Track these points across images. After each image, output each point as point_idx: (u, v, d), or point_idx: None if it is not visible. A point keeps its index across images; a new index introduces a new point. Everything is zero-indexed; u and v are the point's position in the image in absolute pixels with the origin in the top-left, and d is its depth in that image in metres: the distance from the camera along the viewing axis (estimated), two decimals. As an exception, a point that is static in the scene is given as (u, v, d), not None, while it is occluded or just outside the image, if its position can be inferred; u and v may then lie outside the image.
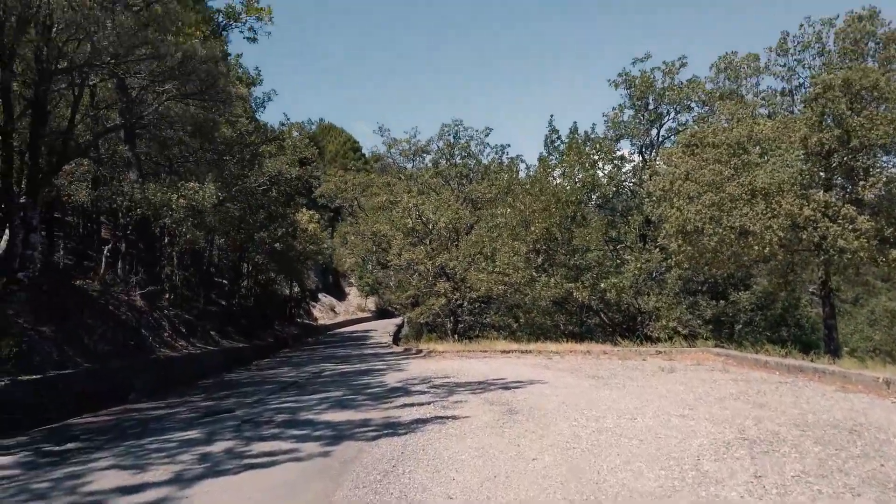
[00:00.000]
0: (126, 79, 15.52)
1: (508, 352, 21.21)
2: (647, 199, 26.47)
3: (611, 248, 29.91)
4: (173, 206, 18.34)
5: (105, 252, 18.74)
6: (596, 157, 30.83)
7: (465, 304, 34.75)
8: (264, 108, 32.84)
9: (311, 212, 43.59)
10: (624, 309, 28.96)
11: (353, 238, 45.26)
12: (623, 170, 31.95)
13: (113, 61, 12.39)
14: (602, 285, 26.70)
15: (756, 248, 19.93)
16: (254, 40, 23.41)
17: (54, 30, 12.80)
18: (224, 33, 32.50)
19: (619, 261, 28.73)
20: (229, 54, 29.47)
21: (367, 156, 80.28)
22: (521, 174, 35.34)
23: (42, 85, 12.82)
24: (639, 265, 26.67)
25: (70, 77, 13.21)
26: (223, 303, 34.80)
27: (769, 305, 31.96)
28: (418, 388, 13.13)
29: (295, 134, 34.85)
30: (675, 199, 21.79)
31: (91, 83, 16.87)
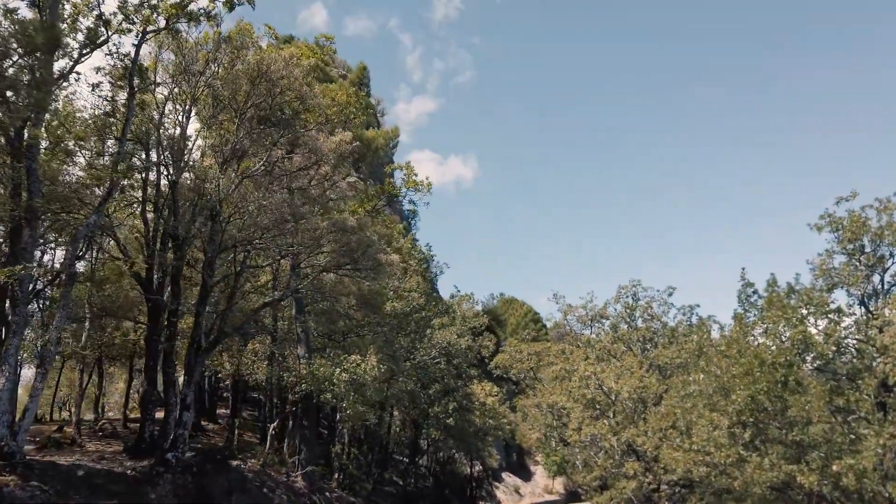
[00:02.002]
0: (280, 251, 16.11)
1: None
2: (880, 358, 21.75)
3: (839, 419, 24.53)
4: (335, 380, 18.02)
5: (270, 430, 18.67)
6: (805, 312, 26.52)
7: (662, 487, 30.04)
8: (436, 280, 33.63)
9: (488, 384, 42.26)
10: (868, 499, 22.88)
11: (533, 412, 42.71)
12: (843, 324, 27.02)
13: (264, 234, 12.76)
14: (834, 468, 21.49)
15: None
16: (413, 212, 24.92)
17: (221, 213, 13.64)
18: (410, 221, 34.77)
19: (852, 436, 23.29)
20: (409, 231, 31.24)
21: (547, 326, 78.87)
22: (714, 335, 31.44)
23: (207, 267, 13.44)
24: (881, 441, 21.30)
25: (233, 253, 13.85)
26: (400, 482, 33.52)
27: None
28: None
29: (465, 305, 34.85)
30: (920, 356, 17.40)
31: (264, 264, 17.83)
